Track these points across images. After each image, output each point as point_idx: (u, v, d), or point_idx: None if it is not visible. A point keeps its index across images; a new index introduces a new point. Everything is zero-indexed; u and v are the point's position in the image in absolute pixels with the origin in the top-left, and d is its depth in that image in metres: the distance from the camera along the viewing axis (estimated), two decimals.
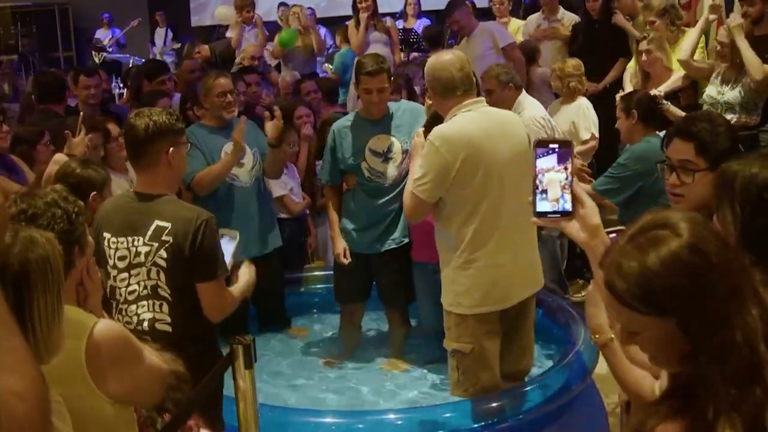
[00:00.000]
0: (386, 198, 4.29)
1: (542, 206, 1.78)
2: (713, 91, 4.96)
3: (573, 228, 1.80)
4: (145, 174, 3.01)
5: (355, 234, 4.38)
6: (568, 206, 1.78)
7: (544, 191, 1.77)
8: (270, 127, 4.43)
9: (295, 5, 8.03)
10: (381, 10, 7.81)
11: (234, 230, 3.34)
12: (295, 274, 5.16)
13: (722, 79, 4.97)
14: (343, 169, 4.36)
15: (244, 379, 2.53)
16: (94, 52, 12.43)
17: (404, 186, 4.01)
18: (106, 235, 2.97)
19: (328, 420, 3.54)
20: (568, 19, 7.36)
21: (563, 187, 1.77)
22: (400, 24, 8.83)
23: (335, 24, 10.18)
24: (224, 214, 4.20)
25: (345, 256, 4.37)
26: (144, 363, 2.05)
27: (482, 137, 3.38)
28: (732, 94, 4.85)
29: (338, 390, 4.23)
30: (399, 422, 3.47)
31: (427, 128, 3.64)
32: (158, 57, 11.93)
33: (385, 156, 4.25)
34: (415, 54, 8.04)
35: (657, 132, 4.20)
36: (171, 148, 2.95)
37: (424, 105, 4.49)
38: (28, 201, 2.07)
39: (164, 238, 2.89)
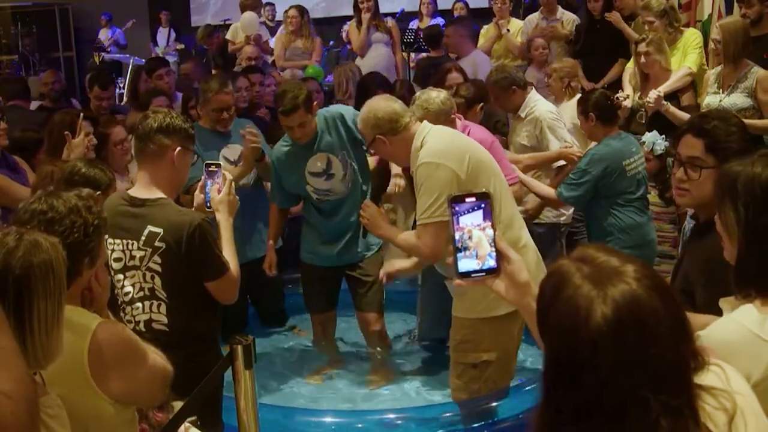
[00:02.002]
0: (342, 213, 4.26)
1: (465, 265, 1.64)
2: (712, 100, 4.95)
3: (500, 287, 1.67)
4: (148, 168, 2.99)
5: (316, 248, 4.37)
6: (493, 263, 1.64)
7: (466, 248, 1.63)
8: (248, 151, 4.34)
9: (291, 8, 8.03)
10: (381, 10, 7.82)
11: (216, 161, 3.27)
12: (294, 274, 5.16)
13: (720, 84, 4.97)
14: (291, 193, 4.34)
15: (244, 379, 2.54)
16: (94, 53, 12.44)
17: (355, 198, 4.06)
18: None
19: (328, 420, 3.55)
20: (567, 18, 7.38)
21: (490, 244, 1.64)
22: (414, 23, 8.82)
23: (335, 24, 10.21)
24: None
25: (271, 270, 4.36)
26: (146, 364, 2.05)
27: (467, 141, 3.39)
28: (730, 100, 4.85)
29: (339, 390, 4.24)
30: (399, 422, 3.48)
31: (374, 193, 3.58)
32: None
33: (327, 173, 4.18)
34: (423, 54, 8.06)
35: (619, 131, 4.36)
36: (179, 149, 2.97)
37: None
38: (50, 202, 2.04)
39: (157, 244, 2.89)
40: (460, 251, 1.63)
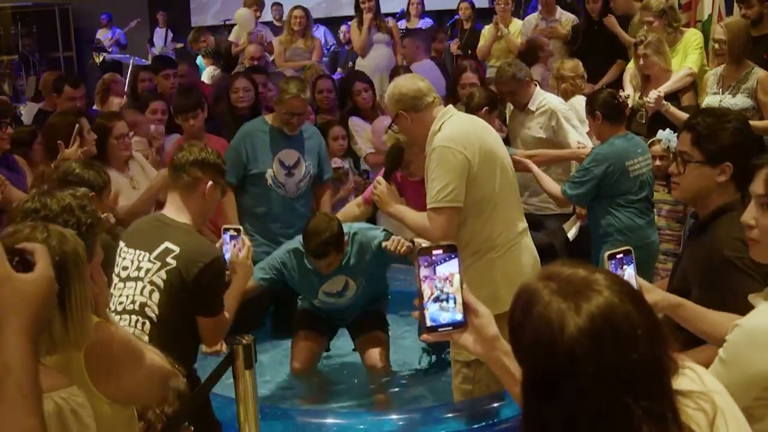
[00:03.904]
0: (346, 313, 4.21)
1: (432, 318, 1.58)
2: (712, 100, 4.95)
3: (467, 340, 1.62)
4: (179, 196, 3.08)
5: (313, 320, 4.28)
6: (460, 317, 1.59)
7: (433, 301, 1.58)
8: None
9: (296, 8, 8.04)
10: (381, 10, 7.82)
11: (236, 225, 3.35)
12: None
13: (720, 84, 4.97)
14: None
15: (244, 379, 2.54)
16: (94, 53, 12.42)
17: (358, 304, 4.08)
18: (122, 243, 3.06)
19: (329, 420, 3.54)
20: (566, 19, 7.39)
21: (458, 297, 1.59)
22: (402, 24, 8.84)
23: (336, 24, 10.21)
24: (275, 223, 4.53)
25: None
26: (144, 365, 2.04)
27: (485, 133, 3.40)
28: (730, 100, 4.85)
29: (339, 390, 4.24)
30: (399, 422, 3.47)
31: (387, 172, 3.60)
32: None
33: (340, 294, 4.10)
34: None
35: (626, 131, 4.38)
36: (211, 182, 3.08)
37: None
38: (43, 201, 2.07)
39: (169, 260, 2.93)
40: (428, 304, 1.58)
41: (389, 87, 3.53)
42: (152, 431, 2.25)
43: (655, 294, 2.19)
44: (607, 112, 4.29)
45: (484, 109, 4.59)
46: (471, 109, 4.55)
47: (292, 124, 4.48)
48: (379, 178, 3.57)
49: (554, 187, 4.46)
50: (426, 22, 8.75)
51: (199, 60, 8.85)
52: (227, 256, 3.20)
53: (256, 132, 4.58)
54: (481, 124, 3.48)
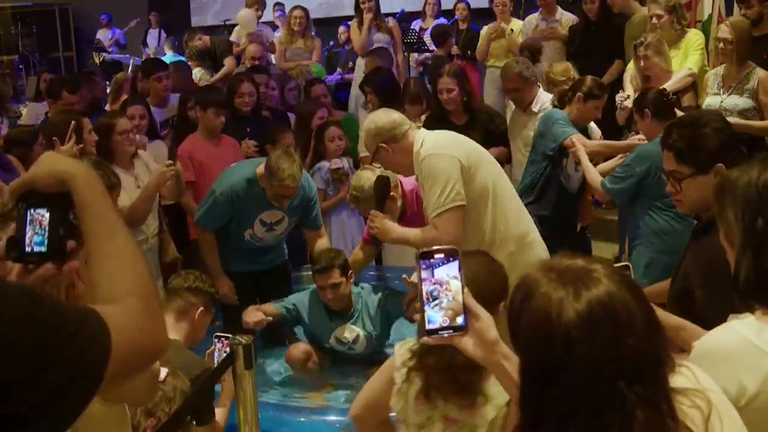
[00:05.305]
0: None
1: (433, 321, 1.56)
2: (713, 101, 4.95)
3: (468, 344, 1.59)
4: (173, 317, 3.21)
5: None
6: (461, 321, 1.57)
7: (435, 305, 1.56)
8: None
9: (296, 8, 8.04)
10: (381, 10, 7.83)
11: (227, 334, 3.28)
12: (294, 273, 5.18)
13: (720, 84, 4.96)
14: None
15: (244, 379, 2.54)
16: (94, 53, 12.43)
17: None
18: None
19: (331, 418, 3.54)
20: (566, 19, 7.39)
21: (459, 300, 1.57)
22: (417, 23, 8.84)
23: (335, 24, 10.21)
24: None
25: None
26: None
27: (466, 139, 3.48)
28: (731, 101, 4.85)
29: (340, 389, 4.24)
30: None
31: (378, 201, 3.71)
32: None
33: (350, 345, 4.24)
34: (426, 54, 8.07)
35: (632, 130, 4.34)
36: (202, 308, 3.25)
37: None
38: None
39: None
40: (429, 307, 1.57)
41: (364, 125, 3.60)
42: (159, 426, 2.26)
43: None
44: (657, 109, 4.21)
45: (578, 95, 4.61)
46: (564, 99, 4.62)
47: (282, 202, 4.35)
48: (374, 211, 3.66)
49: (597, 179, 4.40)
50: (441, 22, 8.75)
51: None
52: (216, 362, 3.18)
53: (244, 194, 4.31)
54: (459, 134, 3.55)
